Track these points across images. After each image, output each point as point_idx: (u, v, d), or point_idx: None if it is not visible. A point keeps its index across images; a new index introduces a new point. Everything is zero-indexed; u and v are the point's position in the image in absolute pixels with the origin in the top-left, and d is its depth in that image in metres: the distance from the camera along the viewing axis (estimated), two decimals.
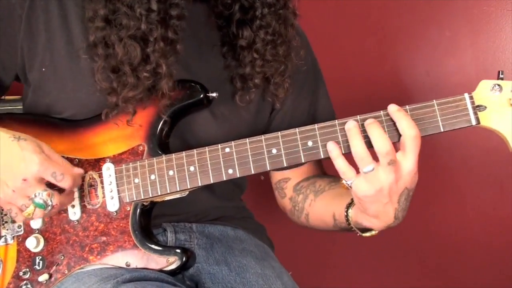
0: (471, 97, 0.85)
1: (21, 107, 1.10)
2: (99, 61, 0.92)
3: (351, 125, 0.87)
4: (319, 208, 1.09)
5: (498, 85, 0.84)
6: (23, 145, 0.88)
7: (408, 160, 0.85)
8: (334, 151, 0.87)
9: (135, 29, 0.89)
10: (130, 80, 0.91)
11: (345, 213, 0.98)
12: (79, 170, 0.93)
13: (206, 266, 1.05)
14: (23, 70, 1.00)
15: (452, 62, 1.69)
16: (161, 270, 0.92)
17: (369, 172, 0.85)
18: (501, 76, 0.85)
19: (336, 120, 0.89)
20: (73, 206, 0.97)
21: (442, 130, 0.85)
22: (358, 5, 1.73)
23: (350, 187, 0.88)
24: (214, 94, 0.98)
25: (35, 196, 0.86)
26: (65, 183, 0.89)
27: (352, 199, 0.96)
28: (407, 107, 0.87)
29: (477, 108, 0.85)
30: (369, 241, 1.83)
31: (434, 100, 0.86)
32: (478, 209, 1.70)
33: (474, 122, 0.85)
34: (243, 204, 1.28)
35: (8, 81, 1.04)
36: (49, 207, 0.87)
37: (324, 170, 1.21)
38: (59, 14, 0.97)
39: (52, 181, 0.88)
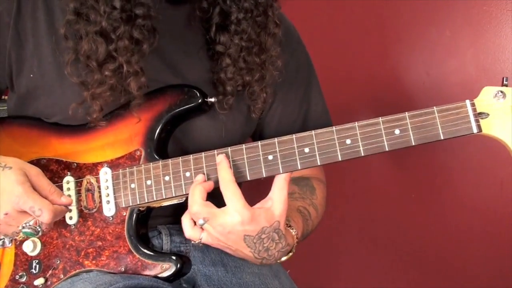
0: (472, 104, 0.77)
1: None
2: (68, 54, 0.87)
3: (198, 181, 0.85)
4: None
5: (502, 91, 0.76)
6: (6, 175, 0.82)
7: (226, 214, 0.80)
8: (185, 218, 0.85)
9: (100, 25, 0.84)
10: (96, 76, 0.85)
11: None
12: (66, 200, 0.86)
13: (202, 268, 1.00)
14: (10, 76, 0.95)
15: (452, 62, 1.62)
16: (155, 277, 0.86)
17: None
18: (505, 82, 0.77)
19: (334, 127, 0.81)
20: (70, 211, 0.92)
21: (441, 138, 0.78)
22: (357, 4, 1.66)
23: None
24: (212, 99, 0.92)
25: (23, 227, 0.83)
26: (43, 218, 0.82)
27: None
28: (407, 113, 0.79)
29: (479, 115, 0.77)
30: (368, 240, 1.77)
31: (435, 107, 0.78)
32: (478, 209, 1.63)
33: (475, 130, 0.77)
34: None
35: (2, 87, 0.99)
36: (40, 232, 0.84)
37: (319, 173, 1.13)
38: (45, 20, 0.91)
39: (32, 214, 0.82)
